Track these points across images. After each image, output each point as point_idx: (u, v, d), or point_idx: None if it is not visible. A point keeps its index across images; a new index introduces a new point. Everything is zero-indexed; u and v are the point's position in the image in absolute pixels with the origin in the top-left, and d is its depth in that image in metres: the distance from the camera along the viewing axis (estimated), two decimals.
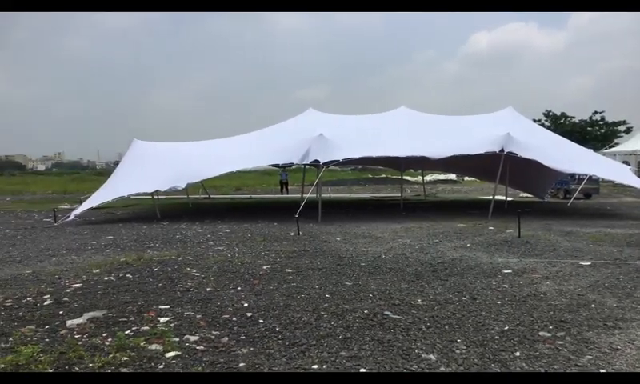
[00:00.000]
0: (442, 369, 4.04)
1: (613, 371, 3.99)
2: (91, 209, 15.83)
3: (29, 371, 4.01)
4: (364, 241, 10.89)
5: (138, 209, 19.73)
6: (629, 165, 23.41)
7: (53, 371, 4.02)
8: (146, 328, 5.02)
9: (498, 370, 4.00)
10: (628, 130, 47.69)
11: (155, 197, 17.66)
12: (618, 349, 4.45)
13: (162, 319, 5.32)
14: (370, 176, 47.60)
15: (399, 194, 23.55)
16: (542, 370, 3.99)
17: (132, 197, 17.92)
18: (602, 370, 4.02)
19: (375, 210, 18.87)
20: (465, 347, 4.49)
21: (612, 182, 21.33)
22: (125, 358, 4.21)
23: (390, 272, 7.66)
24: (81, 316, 5.41)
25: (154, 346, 4.52)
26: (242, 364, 4.14)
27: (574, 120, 51.74)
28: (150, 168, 16.09)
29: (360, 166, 49.70)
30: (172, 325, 5.13)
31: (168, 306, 5.81)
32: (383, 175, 44.95)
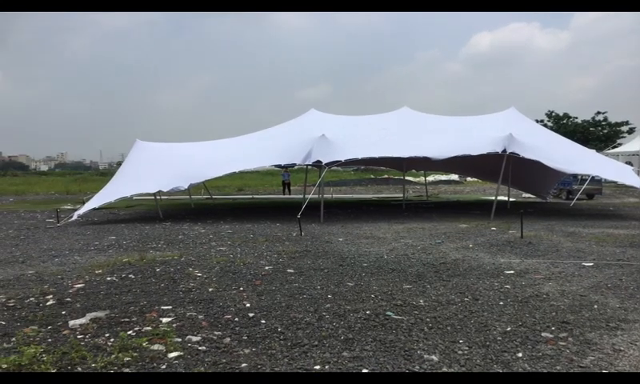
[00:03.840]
0: (445, 369, 4.04)
1: (615, 371, 3.98)
2: (94, 209, 15.85)
3: (31, 371, 4.02)
4: (366, 241, 10.88)
5: (140, 209, 19.75)
6: (632, 165, 23.37)
7: (55, 371, 4.03)
8: (149, 328, 5.03)
9: (501, 371, 4.00)
10: (631, 131, 47.64)
11: (158, 197, 17.67)
12: (620, 350, 4.44)
13: (165, 320, 5.33)
14: (373, 176, 47.57)
15: (401, 195, 23.57)
16: (545, 371, 3.99)
17: (135, 197, 17.97)
18: (604, 371, 4.01)
19: (377, 211, 18.86)
20: (467, 348, 4.49)
21: (615, 182, 21.28)
22: (127, 359, 4.22)
23: (392, 272, 7.66)
24: (83, 316, 5.42)
25: (156, 347, 4.53)
26: (244, 364, 4.14)
27: (576, 120, 51.68)
28: (153, 168, 16.11)
29: (362, 167, 49.72)
30: (174, 325, 5.14)
31: (170, 307, 5.82)
32: (385, 175, 44.92)
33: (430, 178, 38.61)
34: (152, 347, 4.52)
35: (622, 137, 48.44)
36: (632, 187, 18.66)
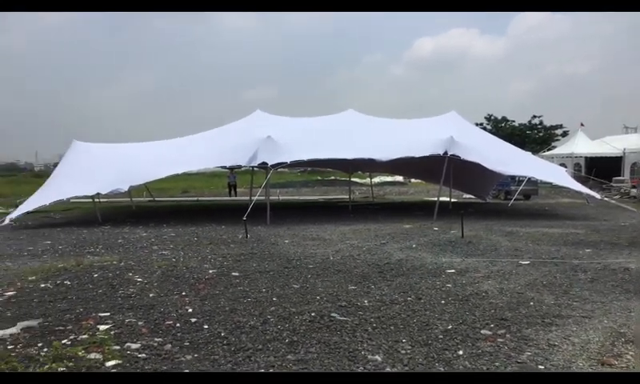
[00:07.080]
0: (388, 369, 4.07)
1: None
2: (28, 213, 15.14)
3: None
4: (312, 243, 10.89)
5: (77, 212, 18.99)
6: (565, 167, 24.53)
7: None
8: (85, 336, 4.83)
9: (443, 370, 4.08)
10: (565, 134, 50.00)
11: (96, 200, 17.05)
12: (555, 345, 4.62)
13: (102, 327, 5.13)
14: (319, 178, 47.71)
15: (347, 196, 23.76)
16: (485, 368, 4.10)
17: (72, 200, 17.23)
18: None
19: (324, 212, 18.92)
20: (410, 347, 4.55)
21: (550, 183, 22.28)
22: (62, 369, 4.03)
23: (338, 274, 7.69)
24: (14, 326, 5.14)
25: (92, 355, 4.35)
26: (185, 371, 4.04)
27: (514, 124, 53.72)
28: (91, 170, 15.51)
29: (309, 168, 49.78)
30: (112, 332, 4.96)
31: (108, 313, 5.61)
32: (332, 177, 45.15)
33: (376, 180, 39.07)
34: (88, 356, 4.34)
35: (557, 140, 50.76)
36: (565, 188, 19.58)
